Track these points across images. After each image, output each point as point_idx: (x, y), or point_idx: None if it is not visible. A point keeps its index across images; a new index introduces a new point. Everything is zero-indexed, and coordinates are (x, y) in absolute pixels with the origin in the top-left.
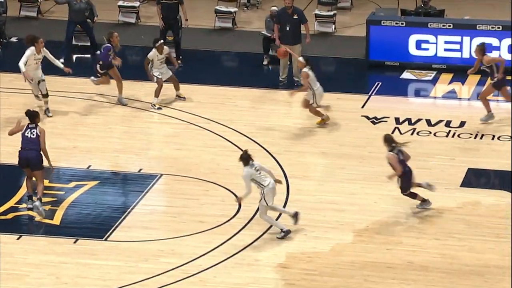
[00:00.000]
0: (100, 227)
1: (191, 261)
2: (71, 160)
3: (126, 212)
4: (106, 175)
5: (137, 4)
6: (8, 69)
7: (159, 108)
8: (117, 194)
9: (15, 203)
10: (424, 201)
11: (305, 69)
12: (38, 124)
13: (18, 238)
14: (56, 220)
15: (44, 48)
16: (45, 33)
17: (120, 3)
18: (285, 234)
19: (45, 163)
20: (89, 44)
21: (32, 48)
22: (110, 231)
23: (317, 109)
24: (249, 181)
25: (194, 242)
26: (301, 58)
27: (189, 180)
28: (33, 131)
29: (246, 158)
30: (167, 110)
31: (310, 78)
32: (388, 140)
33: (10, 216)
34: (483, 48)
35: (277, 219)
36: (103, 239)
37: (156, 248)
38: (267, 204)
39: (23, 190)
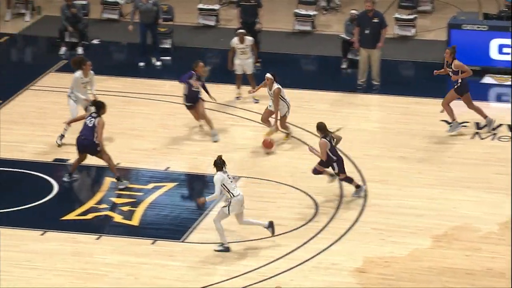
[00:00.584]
0: (178, 229)
1: (268, 263)
2: (150, 162)
3: (204, 214)
4: (184, 176)
5: (217, 7)
6: None
7: (238, 98)
8: (195, 195)
9: (95, 204)
10: (358, 187)
11: (276, 85)
12: (102, 115)
13: (97, 238)
14: (135, 221)
15: (91, 71)
16: (126, 35)
17: (200, 5)
18: (224, 250)
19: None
20: (168, 46)
21: (80, 72)
22: (188, 232)
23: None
24: (219, 186)
25: (271, 244)
26: (268, 75)
27: (267, 183)
28: (92, 121)
29: (220, 164)
30: (246, 113)
31: (282, 92)
32: (321, 128)
33: (90, 216)
34: (454, 52)
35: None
36: (181, 240)
37: (233, 250)
38: (228, 214)
39: (103, 191)
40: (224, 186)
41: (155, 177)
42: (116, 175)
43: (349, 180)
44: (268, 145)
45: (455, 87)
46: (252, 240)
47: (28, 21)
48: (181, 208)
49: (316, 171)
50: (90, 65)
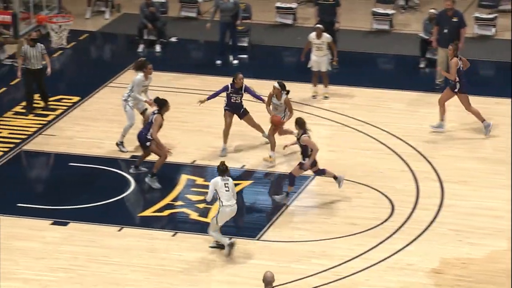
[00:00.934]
0: (253, 227)
1: (343, 263)
2: (225, 160)
3: (279, 212)
4: (260, 175)
5: (294, 5)
6: (168, 69)
7: (314, 97)
8: (270, 194)
9: (171, 200)
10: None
11: (284, 95)
12: (163, 113)
13: (173, 235)
14: (210, 219)
15: (151, 76)
16: (204, 33)
17: (278, 4)
18: (230, 247)
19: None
20: (245, 44)
21: (141, 74)
22: (263, 230)
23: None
24: (213, 189)
25: (346, 244)
26: (276, 84)
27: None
28: (152, 117)
29: (222, 170)
30: (321, 112)
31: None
32: (301, 123)
33: (166, 213)
34: (457, 49)
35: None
36: (256, 238)
37: (308, 249)
38: (217, 223)
39: (179, 188)
40: (216, 192)
41: (230, 175)
42: (153, 172)
43: (292, 180)
44: (277, 122)
45: (457, 88)
46: (326, 239)
47: (108, 19)
48: (256, 206)
49: (320, 171)
50: (151, 68)
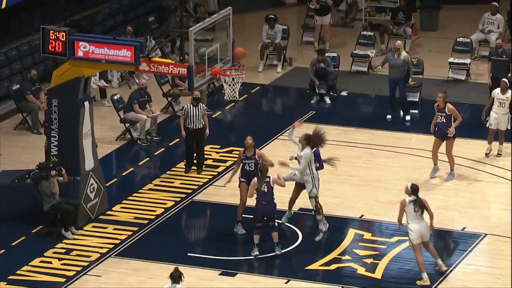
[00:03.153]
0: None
1: None
2: (394, 215)
3: (448, 270)
4: (429, 231)
5: (468, 61)
6: (337, 123)
7: (487, 155)
8: (439, 251)
9: (338, 255)
10: None
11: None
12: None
13: None
14: (378, 274)
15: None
16: (374, 88)
17: (451, 59)
18: None
19: None
20: (416, 99)
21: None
22: None
23: None
24: None
25: None
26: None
27: None
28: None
29: (174, 277)
30: (494, 169)
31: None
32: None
33: (333, 267)
34: (447, 96)
35: None
36: None
37: None
38: None
39: (346, 242)
40: None
41: (399, 231)
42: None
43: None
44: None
45: (453, 134)
46: None
47: (279, 72)
48: (425, 263)
49: None
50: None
